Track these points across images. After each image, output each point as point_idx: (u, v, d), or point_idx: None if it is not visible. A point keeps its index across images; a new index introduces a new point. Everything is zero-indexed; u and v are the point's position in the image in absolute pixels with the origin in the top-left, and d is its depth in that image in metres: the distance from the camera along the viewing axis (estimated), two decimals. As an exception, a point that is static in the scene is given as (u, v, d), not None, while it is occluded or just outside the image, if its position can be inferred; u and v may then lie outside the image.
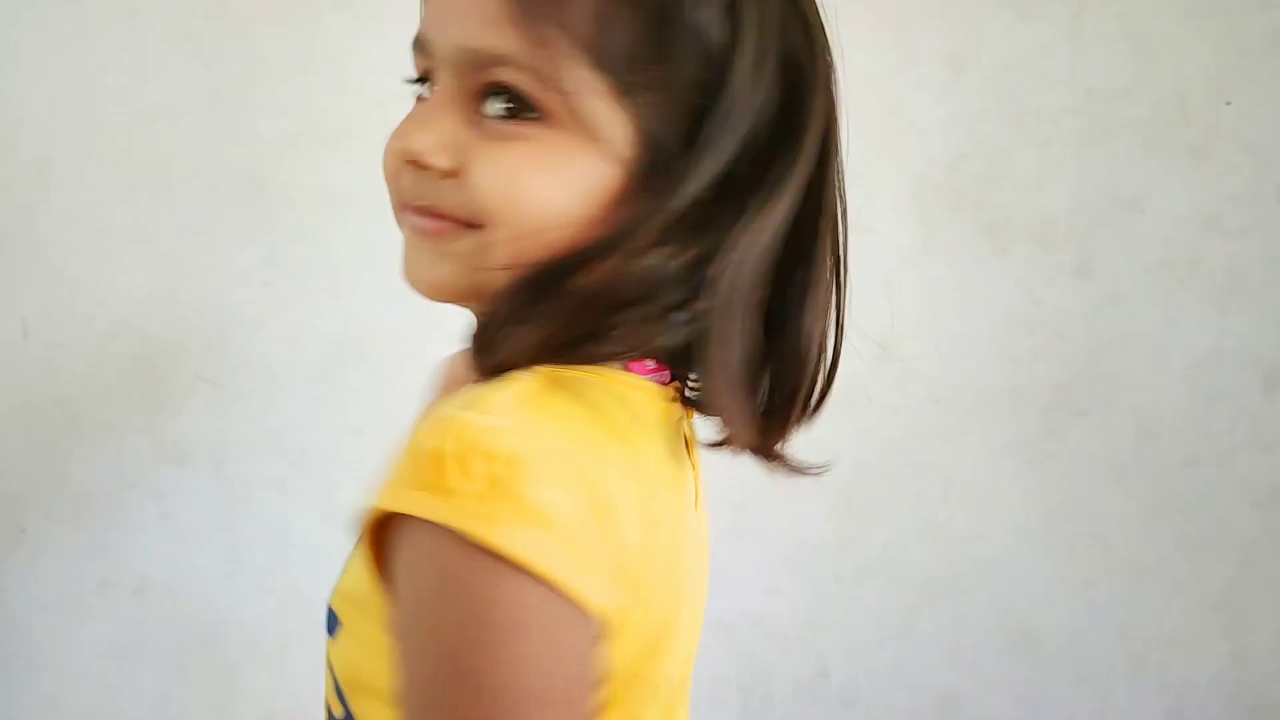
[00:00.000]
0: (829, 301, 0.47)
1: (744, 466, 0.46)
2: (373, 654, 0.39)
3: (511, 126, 0.39)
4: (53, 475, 0.91)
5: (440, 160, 0.40)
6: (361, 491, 0.35)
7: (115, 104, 0.90)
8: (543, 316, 0.39)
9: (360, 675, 0.42)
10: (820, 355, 0.47)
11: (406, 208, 0.42)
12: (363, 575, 0.37)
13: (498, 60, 0.39)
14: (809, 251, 0.44)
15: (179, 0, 0.91)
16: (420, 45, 0.42)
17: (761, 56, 0.40)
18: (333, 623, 0.43)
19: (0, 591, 0.92)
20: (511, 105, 0.39)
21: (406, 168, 0.41)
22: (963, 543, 1.06)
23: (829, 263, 0.46)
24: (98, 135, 0.89)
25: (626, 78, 0.39)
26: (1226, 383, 1.04)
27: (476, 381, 0.38)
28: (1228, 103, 1.00)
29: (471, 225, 0.40)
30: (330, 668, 0.44)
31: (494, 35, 0.38)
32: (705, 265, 0.39)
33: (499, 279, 0.40)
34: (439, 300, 0.42)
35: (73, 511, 0.91)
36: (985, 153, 1.01)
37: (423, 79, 0.43)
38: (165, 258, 0.90)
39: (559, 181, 0.39)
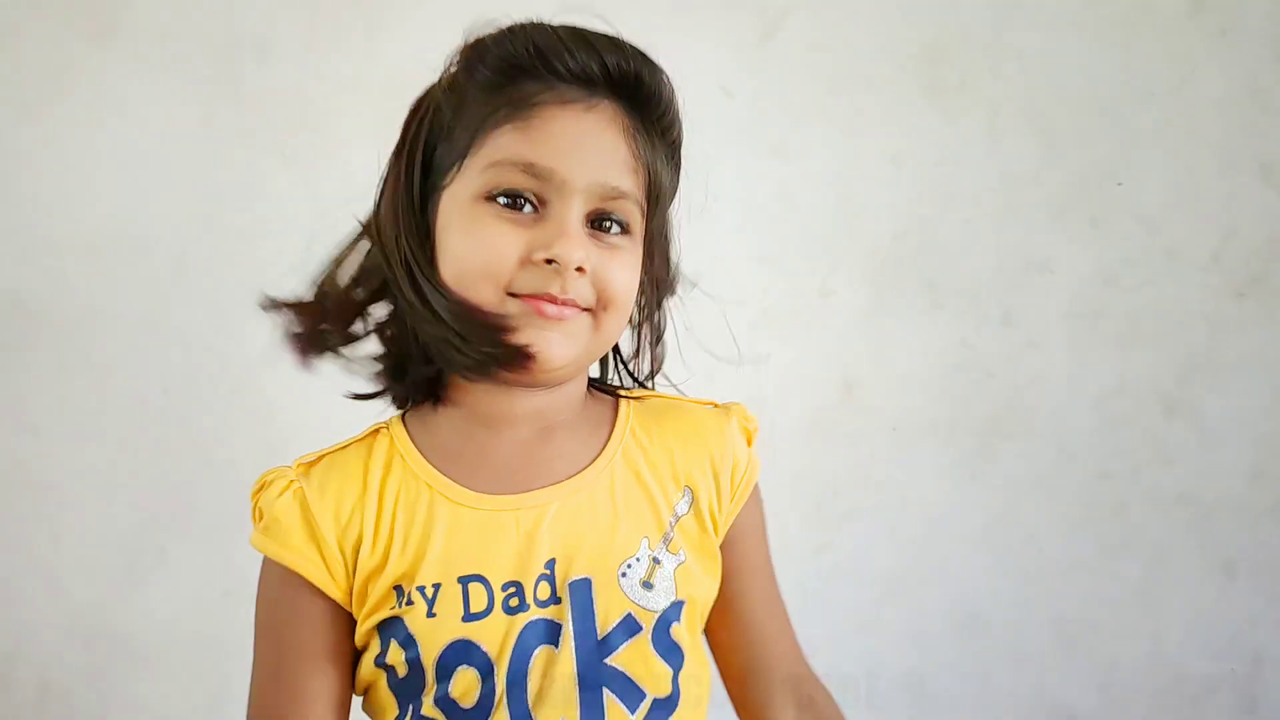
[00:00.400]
0: None
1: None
2: None
3: (618, 239, 0.59)
4: (188, 503, 1.15)
5: (586, 265, 0.56)
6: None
7: (236, 211, 1.15)
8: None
9: None
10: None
11: (525, 295, 0.56)
12: None
13: (624, 195, 0.58)
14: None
15: (286, 126, 1.16)
16: (537, 173, 0.55)
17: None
18: None
19: (147, 599, 1.16)
20: (619, 227, 0.59)
21: (536, 266, 0.55)
22: (918, 547, 1.28)
23: None
24: (223, 236, 1.15)
25: (654, 196, 0.61)
26: (1130, 410, 1.26)
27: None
28: (1119, 184, 1.24)
29: (590, 310, 0.58)
30: None
31: (627, 179, 0.58)
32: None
33: (607, 348, 0.63)
34: (560, 373, 0.59)
35: (204, 533, 1.15)
36: (922, 229, 1.24)
37: (516, 196, 0.56)
38: (274, 331, 1.15)
39: (637, 276, 0.61)
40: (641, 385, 0.69)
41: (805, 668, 0.68)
